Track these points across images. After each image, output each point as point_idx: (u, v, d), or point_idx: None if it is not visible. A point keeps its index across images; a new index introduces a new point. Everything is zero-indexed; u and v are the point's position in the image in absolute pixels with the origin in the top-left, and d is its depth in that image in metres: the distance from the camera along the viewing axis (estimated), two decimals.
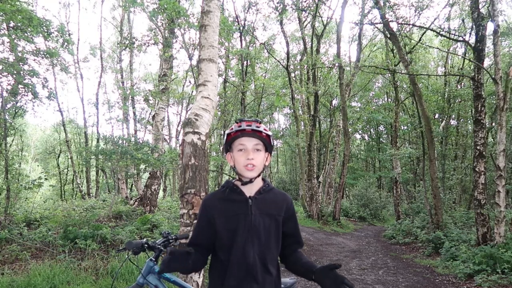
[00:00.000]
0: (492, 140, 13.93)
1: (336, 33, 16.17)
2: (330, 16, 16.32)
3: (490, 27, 9.37)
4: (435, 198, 9.76)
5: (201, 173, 3.45)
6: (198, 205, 3.35)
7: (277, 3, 13.53)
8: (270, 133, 1.65)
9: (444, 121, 17.13)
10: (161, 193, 19.33)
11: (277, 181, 28.58)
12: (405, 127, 21.86)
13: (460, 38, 10.91)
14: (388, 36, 11.48)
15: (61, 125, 19.90)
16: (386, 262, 8.01)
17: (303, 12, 15.42)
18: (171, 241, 2.72)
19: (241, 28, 16.25)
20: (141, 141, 9.02)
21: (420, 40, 13.14)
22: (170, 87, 11.36)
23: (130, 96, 17.33)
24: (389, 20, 10.40)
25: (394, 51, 14.87)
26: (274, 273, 1.65)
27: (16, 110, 10.58)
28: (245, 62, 16.62)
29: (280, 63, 18.79)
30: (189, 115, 3.60)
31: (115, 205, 9.89)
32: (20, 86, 7.58)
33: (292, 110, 18.45)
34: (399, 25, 11.73)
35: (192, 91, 18.20)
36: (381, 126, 26.33)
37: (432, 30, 10.59)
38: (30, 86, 7.55)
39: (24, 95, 8.04)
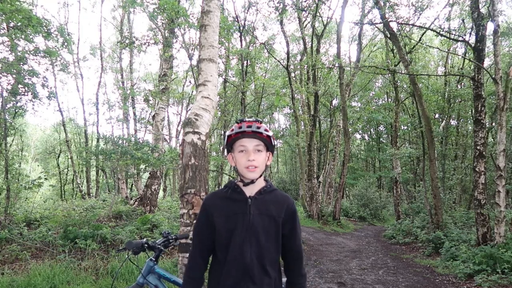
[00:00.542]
0: (492, 140, 13.92)
1: (336, 33, 16.18)
2: (330, 16, 16.30)
3: (490, 27, 9.40)
4: (435, 198, 9.76)
5: (201, 173, 3.45)
6: (198, 205, 3.34)
7: (277, 3, 13.51)
8: (270, 133, 1.65)
9: (444, 121, 17.11)
10: (161, 193, 19.34)
11: (277, 181, 28.56)
12: (405, 127, 21.83)
13: (460, 38, 10.89)
14: (388, 36, 11.48)
15: (61, 125, 19.88)
16: (386, 262, 8.00)
17: (303, 12, 15.42)
18: (171, 241, 2.72)
19: (241, 28, 16.26)
20: (141, 141, 9.00)
21: (420, 40, 13.13)
22: (170, 87, 11.36)
23: (130, 96, 17.32)
24: (389, 20, 10.40)
25: (394, 51, 14.87)
26: (273, 275, 1.61)
27: (16, 110, 10.56)
28: (245, 62, 16.62)
29: (280, 63, 18.77)
30: (189, 115, 3.60)
31: (115, 205, 9.89)
32: (20, 86, 7.58)
33: (292, 110, 18.45)
34: (399, 25, 11.73)
35: (192, 91, 18.22)
36: (381, 126, 26.33)
37: (432, 30, 10.58)
38: (30, 86, 7.56)
39: (24, 94, 8.03)
